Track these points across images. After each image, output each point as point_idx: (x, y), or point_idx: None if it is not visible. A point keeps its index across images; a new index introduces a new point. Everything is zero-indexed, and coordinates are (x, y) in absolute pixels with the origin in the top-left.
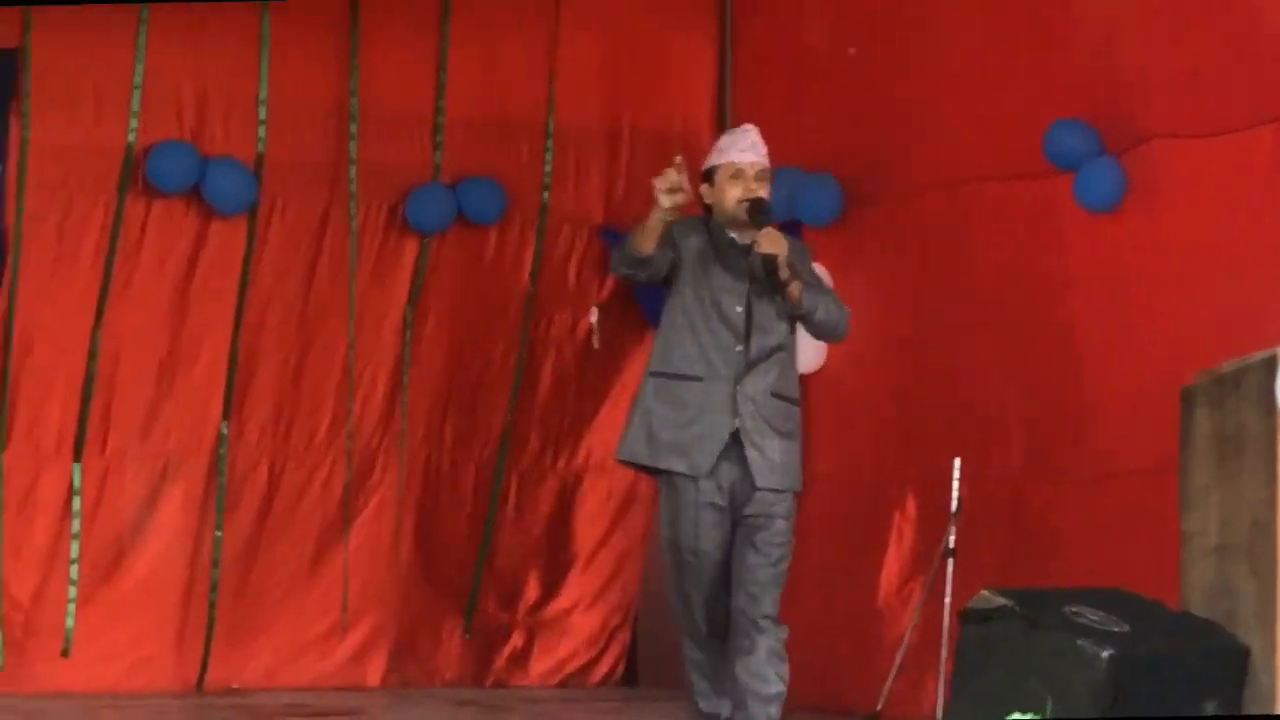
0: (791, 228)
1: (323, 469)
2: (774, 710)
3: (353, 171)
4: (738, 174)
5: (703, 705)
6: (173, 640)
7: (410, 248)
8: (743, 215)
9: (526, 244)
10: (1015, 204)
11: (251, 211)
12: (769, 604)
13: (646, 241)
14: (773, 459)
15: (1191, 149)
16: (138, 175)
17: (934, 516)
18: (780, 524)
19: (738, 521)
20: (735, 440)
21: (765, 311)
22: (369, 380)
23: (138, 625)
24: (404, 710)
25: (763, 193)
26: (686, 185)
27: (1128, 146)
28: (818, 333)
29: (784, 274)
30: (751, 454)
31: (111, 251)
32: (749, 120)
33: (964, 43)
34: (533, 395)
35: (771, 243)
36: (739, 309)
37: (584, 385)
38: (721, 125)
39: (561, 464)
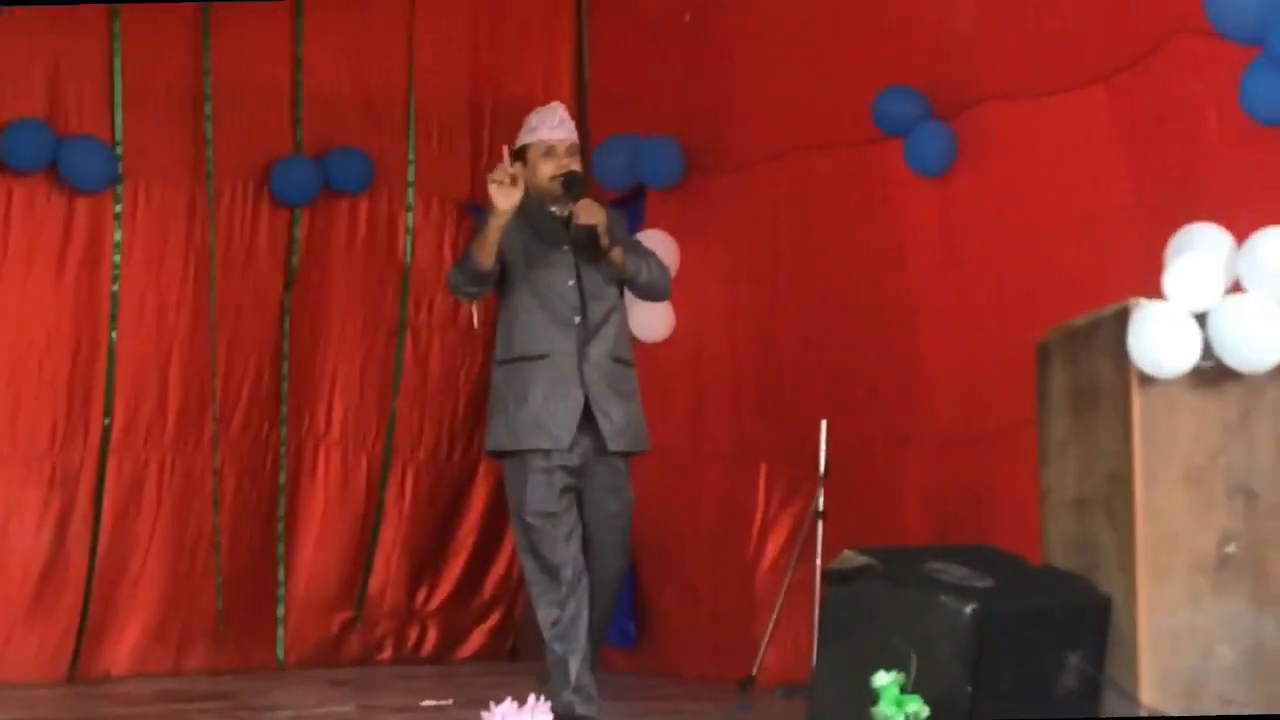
0: (634, 191)
1: (214, 462)
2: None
3: (209, 152)
4: (550, 151)
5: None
6: (46, 634)
7: (281, 226)
8: (558, 190)
9: (398, 218)
10: (850, 171)
11: (116, 196)
12: (618, 559)
13: (487, 254)
14: (620, 424)
15: (1023, 110)
16: None
17: (800, 482)
18: (628, 485)
19: (584, 486)
20: (587, 409)
21: (594, 279)
22: (254, 370)
23: (22, 627)
24: (279, 693)
25: (575, 166)
26: (520, 175)
27: (958, 110)
28: (643, 294)
29: (605, 241)
30: (602, 422)
31: None
32: (603, 88)
33: (795, 7)
34: (422, 382)
35: (589, 213)
36: (570, 283)
37: (471, 371)
38: (581, 94)
39: (457, 454)
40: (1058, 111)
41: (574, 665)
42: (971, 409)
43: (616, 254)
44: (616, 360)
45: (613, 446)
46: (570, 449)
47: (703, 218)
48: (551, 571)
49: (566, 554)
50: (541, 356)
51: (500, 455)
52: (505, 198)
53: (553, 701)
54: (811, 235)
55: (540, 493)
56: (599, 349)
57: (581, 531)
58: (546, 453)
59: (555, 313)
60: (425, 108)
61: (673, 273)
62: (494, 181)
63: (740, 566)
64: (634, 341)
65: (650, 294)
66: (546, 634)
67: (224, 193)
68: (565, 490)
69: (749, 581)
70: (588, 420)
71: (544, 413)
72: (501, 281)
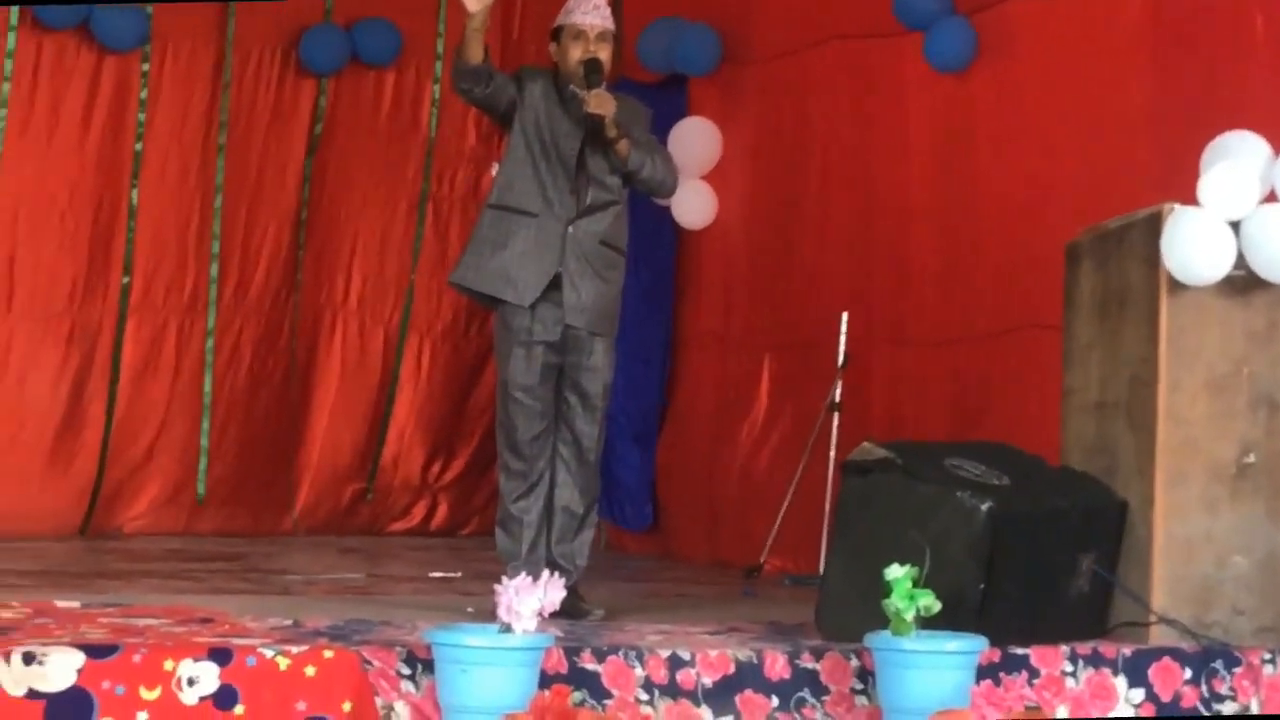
0: (673, 78)
1: (232, 327)
2: (587, 544)
3: (235, 16)
4: (579, 35)
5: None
6: (61, 490)
7: (307, 95)
8: (581, 74)
9: (424, 91)
10: (871, 64)
11: (144, 55)
12: (593, 438)
13: (469, 49)
14: (586, 301)
15: (1048, 8)
16: (25, 12)
17: (807, 374)
18: (596, 370)
19: (565, 363)
20: (557, 280)
21: (599, 164)
22: (274, 236)
23: (40, 481)
24: (289, 558)
25: (602, 55)
26: None
27: (981, 6)
28: (643, 189)
29: (611, 133)
30: (568, 293)
31: (5, 94)
32: None
33: None
34: (442, 256)
35: (599, 104)
36: (575, 161)
37: None
38: None
39: (474, 330)
40: (1084, 11)
41: (528, 536)
42: (988, 308)
43: (622, 146)
44: (604, 243)
45: (569, 319)
46: (549, 325)
47: (739, 106)
48: (521, 446)
49: (537, 429)
50: (531, 214)
51: (462, 289)
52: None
53: (508, 570)
54: (833, 128)
55: (521, 365)
56: (589, 228)
57: (560, 408)
58: (529, 328)
59: (555, 179)
60: None
61: (714, 162)
62: None
63: (744, 456)
64: (681, 230)
65: (650, 190)
66: (508, 503)
67: (251, 58)
68: (546, 367)
69: (754, 471)
70: (557, 294)
71: (515, 266)
72: (512, 125)
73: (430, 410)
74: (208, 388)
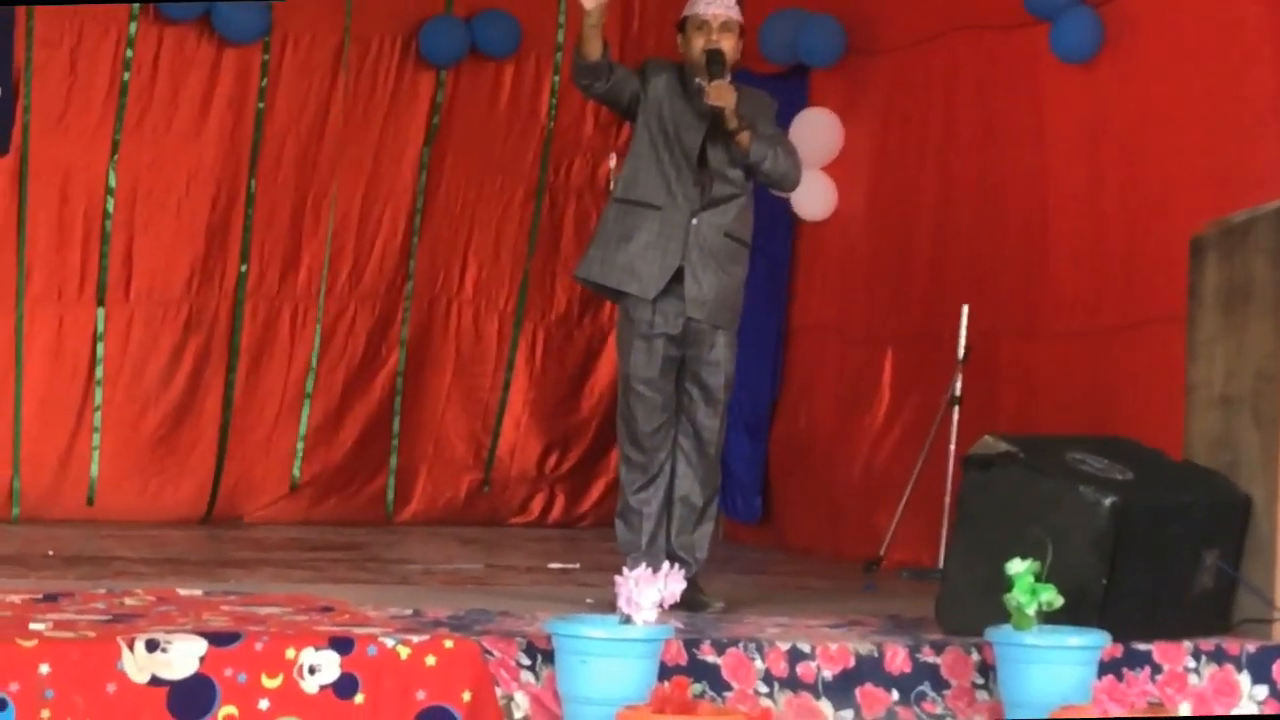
0: (795, 68)
1: (346, 315)
2: (707, 536)
3: (352, 6)
4: (702, 26)
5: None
6: (182, 478)
7: (426, 85)
8: (703, 64)
9: (543, 82)
10: (997, 55)
11: (264, 45)
12: (714, 430)
13: (588, 45)
14: (707, 294)
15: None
16: (148, 4)
17: (938, 365)
18: (717, 363)
19: (686, 356)
20: (680, 273)
21: (720, 156)
22: (389, 223)
23: (159, 469)
24: (408, 547)
25: (725, 45)
26: None
27: None
28: (766, 182)
29: (732, 124)
30: (690, 286)
31: (125, 82)
32: None
33: None
34: (555, 245)
35: (720, 95)
36: (698, 153)
37: None
38: None
39: (588, 319)
40: (1210, 3)
41: (648, 528)
42: (1113, 301)
43: (744, 138)
44: (729, 236)
45: (690, 312)
46: (671, 318)
47: (861, 98)
48: (641, 438)
49: (658, 422)
50: (656, 208)
51: (587, 283)
52: None
53: (628, 561)
54: (958, 119)
55: (642, 358)
56: (713, 220)
57: (681, 400)
58: (650, 320)
59: (679, 172)
60: None
61: (835, 153)
62: None
63: (866, 449)
64: (798, 221)
65: (772, 183)
66: (628, 495)
67: (370, 49)
68: (667, 359)
69: (874, 464)
70: (679, 286)
71: (640, 259)
72: (634, 119)
73: (545, 400)
74: (322, 376)
